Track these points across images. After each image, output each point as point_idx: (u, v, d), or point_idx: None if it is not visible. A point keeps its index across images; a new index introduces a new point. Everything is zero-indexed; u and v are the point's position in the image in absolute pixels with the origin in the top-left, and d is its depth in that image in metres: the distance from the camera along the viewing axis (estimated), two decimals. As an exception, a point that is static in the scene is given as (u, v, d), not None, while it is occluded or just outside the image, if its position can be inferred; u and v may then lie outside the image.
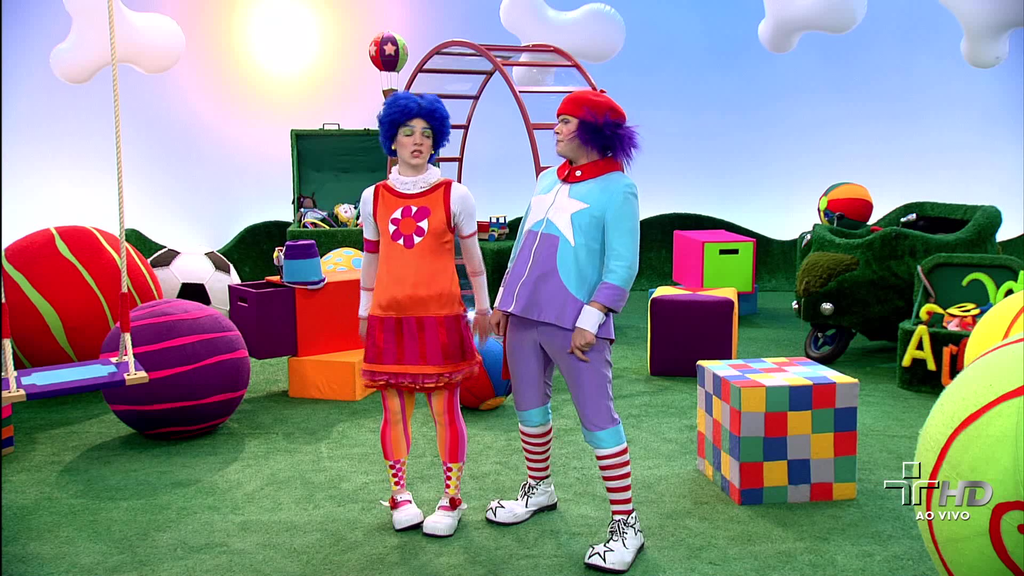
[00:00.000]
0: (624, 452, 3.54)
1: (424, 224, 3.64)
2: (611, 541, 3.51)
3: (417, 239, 3.64)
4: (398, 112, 3.61)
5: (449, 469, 3.86)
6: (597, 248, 3.49)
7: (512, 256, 3.70)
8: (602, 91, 3.67)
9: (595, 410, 3.51)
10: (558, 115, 3.57)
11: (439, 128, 3.67)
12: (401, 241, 3.65)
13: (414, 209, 3.66)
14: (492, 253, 8.44)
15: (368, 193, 3.76)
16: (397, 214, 3.66)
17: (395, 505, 3.91)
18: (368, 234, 3.79)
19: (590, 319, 3.41)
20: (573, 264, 3.45)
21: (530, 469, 3.96)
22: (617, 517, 3.56)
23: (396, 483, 3.93)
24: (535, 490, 3.98)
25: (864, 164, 9.33)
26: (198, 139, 9.67)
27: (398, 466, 3.92)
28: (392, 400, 3.83)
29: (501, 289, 3.69)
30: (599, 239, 3.48)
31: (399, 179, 3.71)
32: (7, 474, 4.54)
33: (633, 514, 3.58)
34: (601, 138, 3.49)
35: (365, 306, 3.86)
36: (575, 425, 5.18)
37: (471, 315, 3.85)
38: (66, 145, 9.20)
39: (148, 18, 8.09)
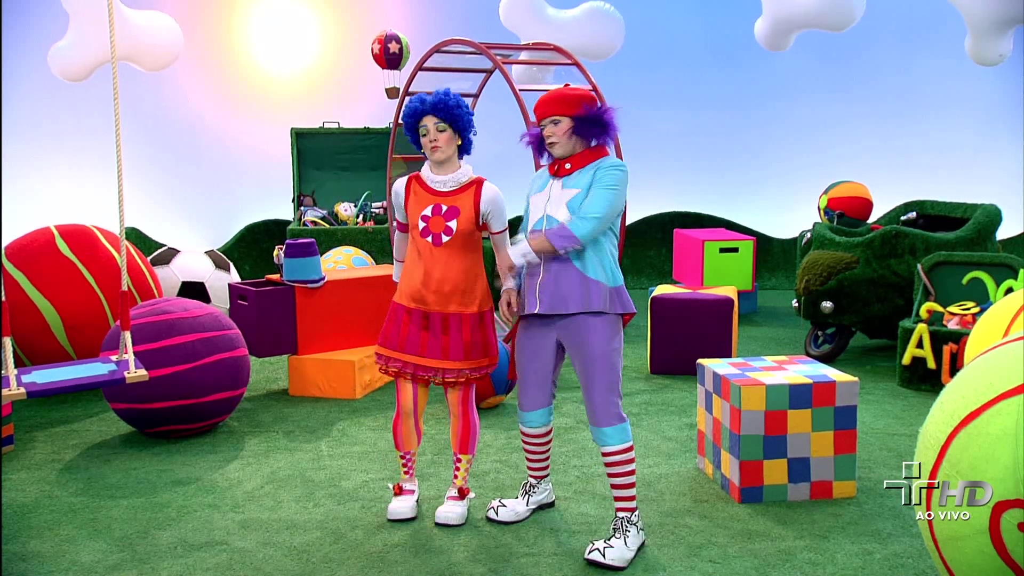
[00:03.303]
0: (630, 450, 3.56)
1: (453, 224, 3.68)
2: (612, 538, 3.51)
3: (445, 238, 3.69)
4: (407, 117, 3.71)
5: (459, 460, 3.94)
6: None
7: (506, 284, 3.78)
8: (567, 85, 3.70)
9: (604, 407, 3.53)
10: (544, 118, 3.55)
11: (451, 118, 3.66)
12: (429, 239, 3.70)
13: (444, 208, 3.70)
14: (493, 251, 8.44)
15: (400, 184, 3.81)
16: (427, 211, 3.70)
17: (399, 492, 3.98)
18: (398, 217, 3.87)
19: (519, 250, 3.52)
20: (582, 250, 3.51)
21: (531, 469, 3.97)
22: (620, 515, 3.57)
23: (405, 472, 4.01)
24: (536, 488, 3.98)
25: (864, 162, 9.34)
26: (198, 138, 9.67)
27: (408, 456, 4.00)
28: (406, 393, 3.87)
29: (511, 276, 3.72)
30: None
31: (431, 176, 3.75)
32: (7, 472, 4.54)
33: (636, 512, 3.58)
34: (595, 127, 3.53)
35: (399, 273, 3.95)
36: (575, 424, 5.18)
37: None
38: (66, 144, 9.21)
39: (146, 16, 8.08)
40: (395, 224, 3.95)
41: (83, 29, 7.71)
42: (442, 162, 3.72)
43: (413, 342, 3.75)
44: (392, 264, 4.04)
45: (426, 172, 3.77)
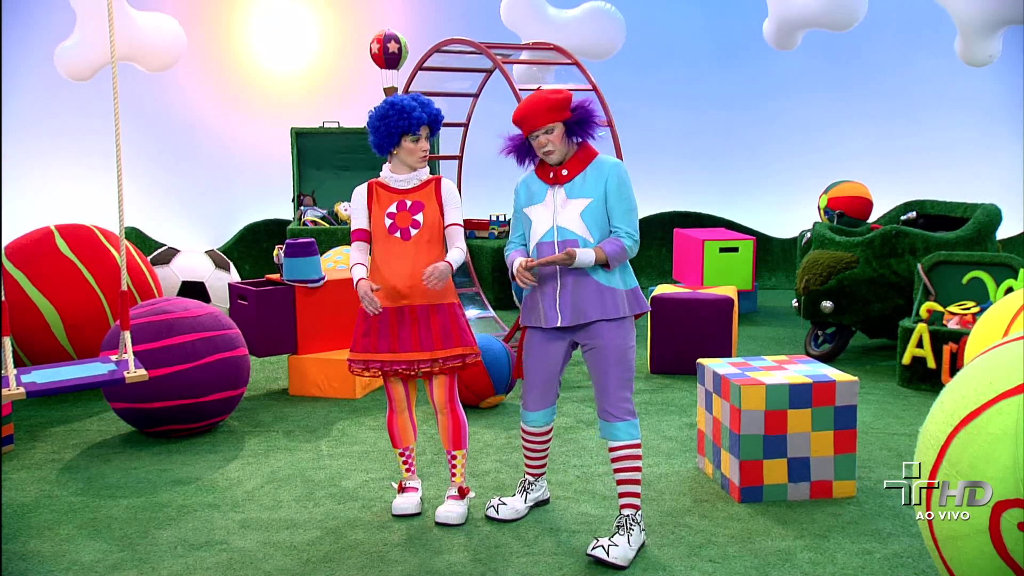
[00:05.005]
0: (637, 446, 3.57)
1: (419, 217, 3.77)
2: (617, 536, 3.51)
3: (413, 231, 3.77)
4: (412, 124, 3.72)
5: (454, 457, 3.95)
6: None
7: (511, 248, 3.75)
8: (538, 88, 3.72)
9: (616, 402, 3.55)
10: (534, 129, 3.53)
11: (437, 130, 3.86)
12: (398, 234, 3.78)
13: (409, 203, 3.79)
14: (492, 251, 8.45)
15: (362, 190, 3.87)
16: (392, 208, 3.80)
17: (402, 489, 4.03)
18: (360, 224, 3.86)
19: (584, 254, 3.48)
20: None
21: (529, 467, 3.98)
22: (625, 512, 3.57)
23: (407, 469, 4.06)
24: (533, 486, 4.00)
25: (864, 162, 9.33)
26: (198, 137, 9.67)
27: (407, 453, 4.04)
28: (396, 389, 3.94)
29: (520, 258, 3.64)
30: (609, 225, 3.58)
31: (392, 176, 3.84)
32: (7, 472, 4.54)
33: (640, 511, 3.59)
34: (582, 127, 3.56)
35: (361, 272, 3.79)
36: (575, 423, 5.18)
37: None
38: (66, 143, 9.21)
39: (151, 17, 8.09)
40: (354, 232, 3.88)
41: (89, 28, 7.72)
42: (418, 167, 3.83)
43: (385, 341, 3.79)
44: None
45: (386, 175, 3.85)
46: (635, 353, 3.63)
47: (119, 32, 7.49)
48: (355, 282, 3.76)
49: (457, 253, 3.78)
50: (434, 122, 3.80)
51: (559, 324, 3.58)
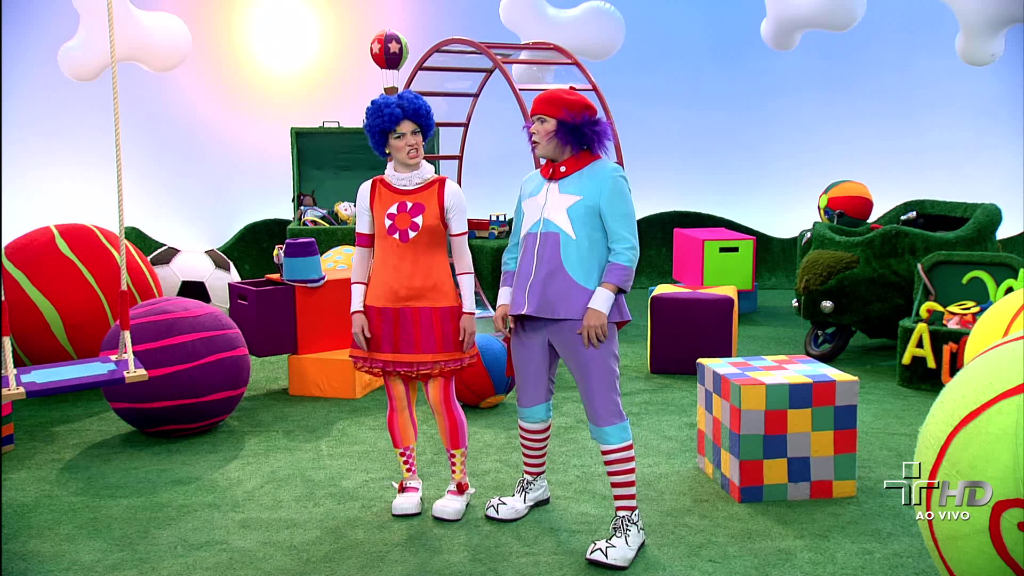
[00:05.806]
0: (629, 448, 3.57)
1: (419, 219, 3.75)
2: (614, 537, 3.52)
3: (412, 234, 3.75)
4: (385, 121, 3.71)
5: (453, 456, 3.96)
6: (598, 237, 3.54)
7: (506, 260, 3.80)
8: (572, 87, 3.72)
9: (603, 405, 3.54)
10: (533, 114, 3.59)
11: (425, 123, 3.79)
12: (397, 236, 3.77)
13: (409, 205, 3.77)
14: (492, 251, 8.44)
15: (366, 187, 3.86)
16: (393, 209, 3.78)
17: (403, 489, 4.03)
18: (363, 228, 3.85)
19: (602, 300, 3.48)
20: (577, 257, 3.51)
21: (528, 465, 3.99)
22: (621, 513, 3.57)
23: (407, 469, 4.06)
24: (532, 485, 4.00)
25: (864, 162, 9.33)
26: (198, 137, 9.67)
27: (408, 452, 4.05)
28: (396, 388, 3.94)
29: (506, 291, 3.75)
30: (599, 227, 3.54)
31: (395, 175, 3.83)
32: (7, 472, 4.54)
33: (636, 511, 3.59)
34: (579, 137, 3.55)
35: (358, 301, 3.86)
36: (575, 423, 5.18)
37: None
38: (67, 142, 9.21)
39: (156, 17, 8.08)
40: (358, 237, 3.88)
41: (93, 29, 7.70)
42: (413, 164, 3.79)
43: (387, 341, 3.80)
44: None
45: (390, 173, 3.85)
46: (617, 357, 3.59)
47: (124, 32, 7.51)
48: (352, 311, 3.83)
49: (468, 285, 3.81)
50: (416, 116, 3.72)
51: (524, 311, 3.57)
